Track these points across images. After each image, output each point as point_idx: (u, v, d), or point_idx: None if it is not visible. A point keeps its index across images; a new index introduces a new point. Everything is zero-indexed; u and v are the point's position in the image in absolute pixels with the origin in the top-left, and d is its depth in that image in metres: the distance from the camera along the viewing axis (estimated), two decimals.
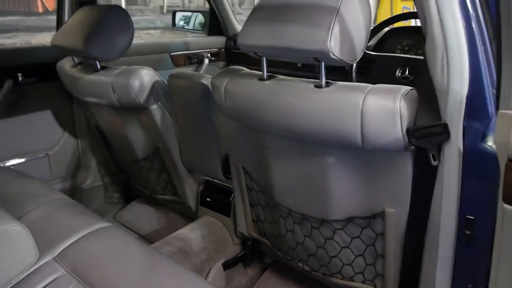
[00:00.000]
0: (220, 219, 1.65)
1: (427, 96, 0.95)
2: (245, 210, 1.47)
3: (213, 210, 1.67)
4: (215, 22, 2.57)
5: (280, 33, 0.98)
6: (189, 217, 1.82)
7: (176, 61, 2.37)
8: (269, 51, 1.04)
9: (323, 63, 0.98)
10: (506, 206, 0.77)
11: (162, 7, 11.63)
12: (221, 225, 1.63)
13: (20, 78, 1.77)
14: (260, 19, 1.04)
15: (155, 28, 9.92)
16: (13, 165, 1.86)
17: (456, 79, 0.87)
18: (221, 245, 1.59)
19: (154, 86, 1.48)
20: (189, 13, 2.76)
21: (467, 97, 0.87)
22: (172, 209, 1.96)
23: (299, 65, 2.08)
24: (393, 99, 0.90)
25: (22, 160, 1.89)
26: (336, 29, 0.91)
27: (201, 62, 2.49)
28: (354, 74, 1.85)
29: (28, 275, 1.03)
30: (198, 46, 2.50)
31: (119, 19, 1.50)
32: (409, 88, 0.94)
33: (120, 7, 1.55)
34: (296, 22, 0.96)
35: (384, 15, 5.47)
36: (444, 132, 0.90)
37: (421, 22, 0.92)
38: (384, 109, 0.90)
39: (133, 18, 1.53)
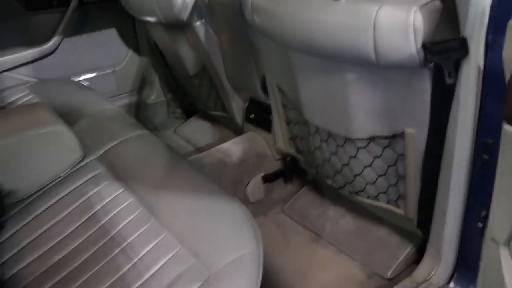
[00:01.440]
0: (262, 135, 1.70)
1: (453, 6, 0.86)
2: (282, 127, 1.50)
3: (256, 126, 1.72)
4: None
5: None
6: (239, 132, 1.90)
7: None
8: None
9: None
10: (507, 127, 0.71)
11: None
12: (263, 141, 1.69)
13: None
14: None
15: None
16: (84, 79, 2.05)
17: None
18: (261, 160, 1.66)
19: (197, 2, 1.50)
20: None
21: (492, 6, 0.78)
22: (225, 125, 2.05)
23: None
24: (408, 10, 0.83)
25: (92, 75, 2.07)
26: None
27: None
28: None
29: (75, 170, 1.20)
30: None
31: None
32: None
33: None
34: None
35: None
36: (461, 48, 0.82)
37: None
38: (396, 21, 0.85)
39: None
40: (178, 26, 1.61)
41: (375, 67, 0.96)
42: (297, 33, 1.04)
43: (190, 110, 2.27)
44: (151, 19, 1.65)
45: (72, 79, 2.00)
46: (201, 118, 2.22)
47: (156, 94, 2.25)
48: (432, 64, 0.89)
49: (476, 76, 0.83)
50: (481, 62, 0.82)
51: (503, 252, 0.79)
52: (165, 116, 2.30)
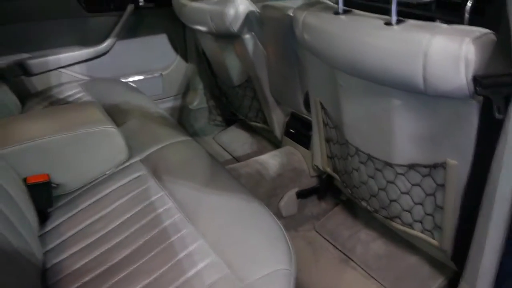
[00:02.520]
0: (300, 151, 1.71)
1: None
2: (321, 145, 1.51)
3: (295, 141, 1.74)
4: None
5: None
6: (277, 145, 1.92)
7: None
8: None
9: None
10: None
11: None
12: (300, 156, 1.70)
13: (140, 3, 1.97)
14: None
15: None
16: (133, 81, 2.14)
17: None
18: (297, 175, 1.67)
19: (248, 15, 1.54)
20: None
21: None
22: (263, 137, 2.08)
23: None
24: (461, 41, 0.83)
25: (141, 77, 2.15)
26: None
27: None
28: (467, 14, 1.66)
29: (120, 169, 1.25)
30: None
31: None
32: (484, 30, 0.85)
33: None
34: None
35: None
36: None
37: None
38: (449, 52, 0.84)
39: None
40: (228, 37, 1.65)
41: (422, 95, 0.96)
42: (346, 54, 1.06)
43: (230, 118, 2.31)
44: (202, 28, 1.70)
45: (121, 79, 2.08)
46: (240, 127, 2.25)
47: (199, 100, 2.31)
48: (481, 97, 0.88)
49: None
50: None
51: None
52: (205, 123, 2.36)
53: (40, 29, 1.86)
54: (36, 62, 1.87)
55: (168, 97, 2.27)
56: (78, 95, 1.79)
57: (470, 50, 0.82)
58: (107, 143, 1.23)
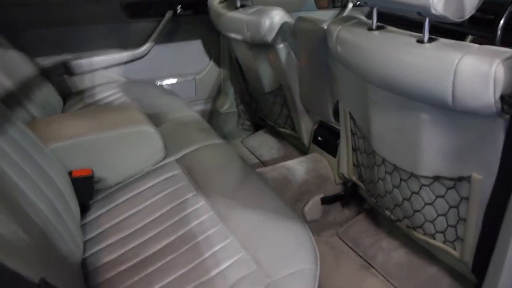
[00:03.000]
0: (327, 158, 1.76)
1: None
2: (347, 153, 1.56)
3: (322, 148, 1.78)
4: None
5: None
6: (303, 152, 1.97)
7: (319, 3, 2.42)
8: (377, 2, 1.07)
9: (427, 19, 0.98)
10: None
11: None
12: (327, 163, 1.75)
13: (178, 10, 2.06)
14: None
15: None
16: (168, 83, 2.23)
17: None
18: (322, 182, 1.72)
19: (283, 26, 1.61)
20: None
21: None
22: (290, 143, 2.14)
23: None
24: (490, 62, 0.87)
25: (174, 81, 2.24)
26: None
27: (344, 6, 2.50)
28: (499, 31, 1.69)
29: (157, 168, 1.33)
30: None
31: None
32: None
33: None
34: None
35: None
36: None
37: None
38: (478, 71, 0.89)
39: None
40: (262, 46, 1.72)
41: (451, 111, 1.00)
42: (378, 69, 1.11)
43: (258, 124, 2.37)
44: (237, 37, 1.77)
45: (156, 82, 2.18)
46: (268, 132, 2.31)
47: (229, 105, 2.39)
48: (508, 115, 0.92)
49: None
50: None
51: None
52: (234, 126, 2.43)
53: (84, 32, 1.97)
54: (78, 62, 1.98)
55: (200, 100, 2.35)
56: (116, 96, 1.88)
57: (499, 70, 0.86)
58: (146, 143, 1.31)
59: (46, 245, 0.89)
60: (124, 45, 2.07)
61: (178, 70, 2.23)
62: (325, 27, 1.44)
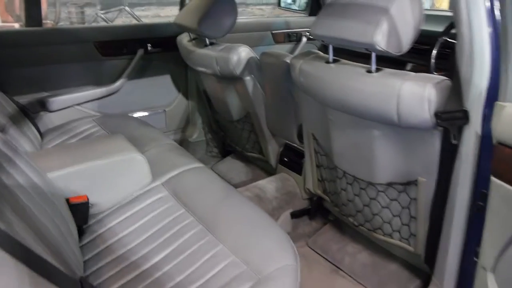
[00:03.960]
0: (293, 177, 1.96)
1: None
2: (312, 170, 1.76)
3: (288, 168, 1.98)
4: (316, 3, 2.81)
5: (341, 27, 1.23)
6: (270, 173, 2.16)
7: (276, 38, 2.68)
8: (333, 40, 1.30)
9: (373, 53, 1.21)
10: (493, 178, 0.96)
11: None
12: (293, 181, 1.94)
13: (149, 48, 2.24)
14: (328, 14, 1.30)
15: (266, 4, 10.35)
16: (139, 116, 2.36)
17: (477, 74, 1.05)
18: (291, 198, 1.90)
19: (249, 61, 1.81)
20: None
21: (487, 89, 1.04)
22: (258, 166, 2.32)
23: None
24: (424, 86, 1.10)
25: (146, 113, 2.38)
26: (384, 26, 1.13)
27: (299, 40, 2.77)
28: (432, 60, 1.98)
29: (145, 192, 1.46)
30: (298, 25, 2.77)
31: (226, 5, 1.84)
32: (442, 78, 1.13)
33: None
34: (353, 18, 1.20)
35: None
36: (463, 118, 1.08)
37: (455, 22, 1.09)
38: (415, 94, 1.12)
39: None
40: (230, 79, 1.91)
41: (397, 127, 1.22)
42: (335, 95, 1.32)
43: (226, 150, 2.54)
44: (207, 71, 1.96)
45: (129, 115, 2.31)
46: (236, 158, 2.49)
47: (198, 134, 2.55)
48: (441, 128, 1.15)
49: (474, 139, 1.09)
50: (478, 129, 1.07)
51: (490, 276, 1.02)
52: (203, 154, 2.58)
53: (60, 70, 2.08)
54: (55, 99, 2.08)
55: (170, 130, 2.50)
56: (94, 129, 2.00)
57: (431, 93, 1.10)
58: (135, 169, 1.44)
59: (61, 262, 1.00)
60: (98, 82, 2.20)
61: (149, 103, 2.38)
62: (288, 60, 1.66)
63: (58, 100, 2.09)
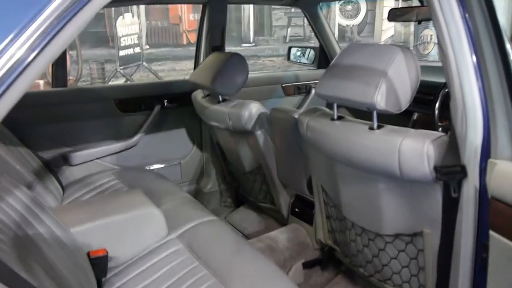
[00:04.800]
0: (304, 227, 2.00)
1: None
2: (322, 221, 1.81)
3: (299, 219, 2.03)
4: (324, 57, 2.94)
5: (344, 87, 1.33)
6: (282, 223, 2.20)
7: (287, 91, 2.80)
8: (337, 100, 1.39)
9: (374, 112, 1.29)
10: (492, 232, 1.00)
11: (285, 37, 12.66)
12: (305, 232, 1.99)
13: (165, 104, 2.37)
14: (332, 75, 1.40)
15: (277, 56, 10.74)
16: (156, 168, 2.46)
17: (471, 131, 1.11)
18: (303, 248, 1.94)
19: (260, 116, 1.91)
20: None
21: (482, 145, 1.11)
22: (270, 216, 2.37)
23: None
24: (423, 143, 1.17)
25: (162, 165, 2.48)
26: (383, 87, 1.22)
27: (308, 92, 2.88)
28: (436, 111, 2.06)
29: (161, 245, 1.52)
30: (306, 78, 2.90)
31: (238, 64, 1.97)
32: (440, 134, 1.20)
33: (239, 54, 2.02)
34: (355, 80, 1.30)
35: None
36: (461, 172, 1.14)
37: (446, 80, 1.17)
38: (415, 149, 1.18)
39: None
40: (242, 133, 2.01)
41: (400, 180, 1.28)
42: (341, 150, 1.39)
43: (239, 200, 2.61)
44: (220, 125, 2.07)
45: (146, 167, 2.41)
46: (249, 208, 2.54)
47: (211, 185, 2.63)
48: (442, 181, 1.21)
49: (473, 193, 1.13)
50: (477, 183, 1.13)
51: None
52: (217, 204, 2.65)
53: (82, 126, 2.22)
54: (76, 154, 2.20)
55: (185, 181, 2.58)
56: (112, 183, 2.10)
57: (430, 148, 1.16)
58: (152, 223, 1.51)
59: None
60: (117, 136, 2.32)
61: (165, 155, 2.48)
62: (296, 116, 1.75)
63: (80, 155, 2.20)
